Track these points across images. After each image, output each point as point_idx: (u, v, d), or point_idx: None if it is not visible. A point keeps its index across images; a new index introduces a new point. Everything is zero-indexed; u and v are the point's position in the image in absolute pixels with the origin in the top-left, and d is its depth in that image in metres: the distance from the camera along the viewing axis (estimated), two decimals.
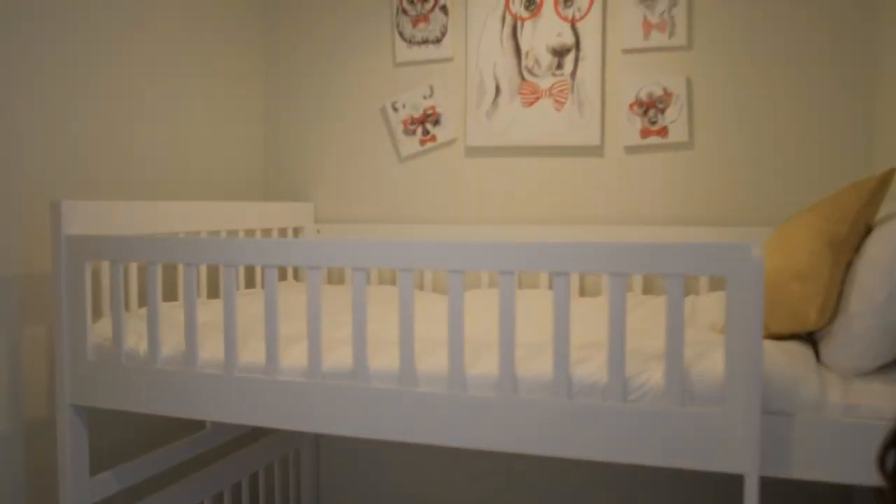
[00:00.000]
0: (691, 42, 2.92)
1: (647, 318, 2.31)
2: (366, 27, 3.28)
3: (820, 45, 2.76)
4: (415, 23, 3.20)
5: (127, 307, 2.40)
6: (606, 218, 3.03)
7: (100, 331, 2.16)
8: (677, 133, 2.93)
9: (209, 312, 2.30)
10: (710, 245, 1.60)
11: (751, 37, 2.85)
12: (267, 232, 3.11)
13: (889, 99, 2.56)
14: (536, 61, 3.05)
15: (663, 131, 2.95)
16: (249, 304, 2.44)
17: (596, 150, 3.04)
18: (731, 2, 2.86)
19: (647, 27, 2.93)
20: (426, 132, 3.20)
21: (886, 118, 2.58)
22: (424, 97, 3.20)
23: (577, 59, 3.01)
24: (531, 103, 3.07)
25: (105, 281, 2.26)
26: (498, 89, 3.10)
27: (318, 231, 3.33)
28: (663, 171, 2.97)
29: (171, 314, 2.25)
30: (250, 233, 3.02)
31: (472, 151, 3.18)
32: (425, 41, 3.19)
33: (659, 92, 2.94)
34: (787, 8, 2.78)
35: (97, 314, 2.31)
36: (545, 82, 3.05)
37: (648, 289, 2.97)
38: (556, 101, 3.04)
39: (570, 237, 3.00)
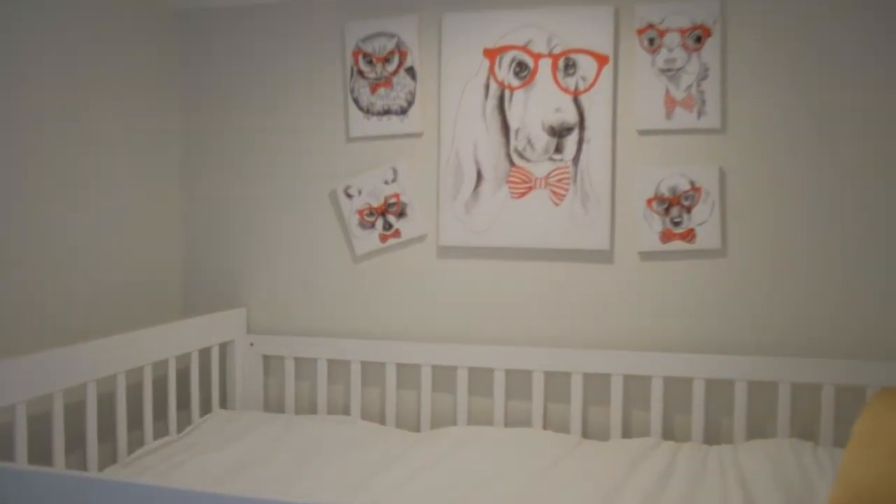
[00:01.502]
0: (725, 124, 2.38)
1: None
2: (311, 91, 2.68)
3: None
4: (374, 88, 2.61)
5: None
6: (616, 341, 2.45)
7: None
8: (707, 237, 2.37)
9: None
10: None
11: (798, 118, 2.33)
12: (185, 357, 2.52)
13: None
14: (529, 142, 2.48)
15: (689, 234, 2.40)
16: None
17: (604, 256, 2.48)
18: (774, 73, 2.34)
19: (671, 104, 2.38)
20: (388, 226, 2.62)
21: None
22: (386, 182, 2.62)
23: (580, 141, 2.44)
24: (522, 194, 2.50)
25: None
26: (480, 175, 2.53)
27: (252, 345, 2.73)
28: (688, 283, 2.39)
29: None
30: (160, 365, 2.42)
31: (446, 252, 2.59)
32: (387, 111, 2.60)
33: (685, 186, 2.39)
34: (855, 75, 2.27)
35: None
36: (540, 169, 2.48)
37: (668, 430, 2.43)
38: (555, 192, 2.47)
39: (566, 365, 2.44)
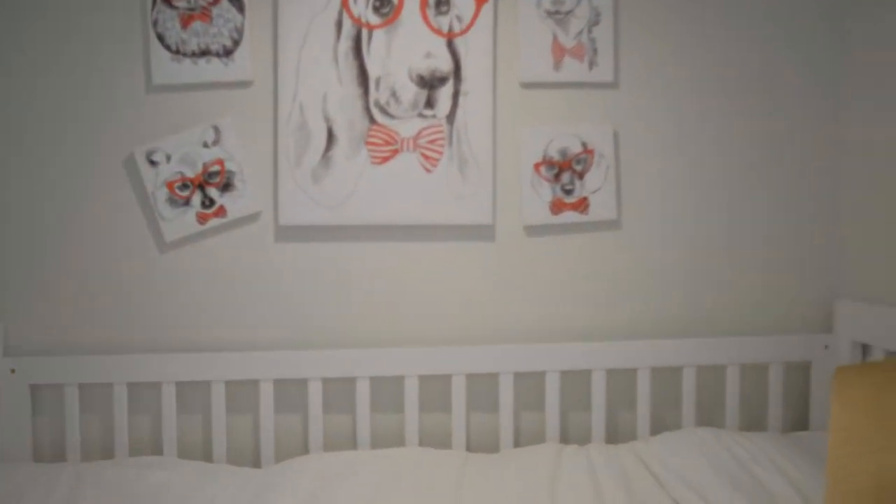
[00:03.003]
0: (618, 78, 2.15)
1: None
2: (94, 23, 2.01)
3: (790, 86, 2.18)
4: (185, 20, 2.02)
5: None
6: (503, 334, 2.11)
7: None
8: (602, 207, 2.14)
9: None
10: None
11: (698, 72, 2.16)
12: None
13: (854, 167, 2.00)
14: (394, 94, 2.07)
15: (582, 204, 2.14)
16: None
17: (486, 233, 2.15)
18: (671, 24, 2.14)
19: (559, 52, 2.09)
20: (209, 202, 2.06)
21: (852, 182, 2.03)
22: (205, 145, 2.05)
23: (456, 94, 2.08)
24: (386, 159, 2.08)
25: None
26: (331, 136, 2.06)
27: (13, 371, 2.02)
28: (583, 261, 2.14)
29: None
30: None
31: (288, 234, 2.08)
32: (205, 52, 2.02)
33: (576, 148, 2.12)
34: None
35: None
36: (408, 128, 2.07)
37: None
38: (426, 156, 2.08)
39: (446, 366, 2.07)
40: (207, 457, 2.05)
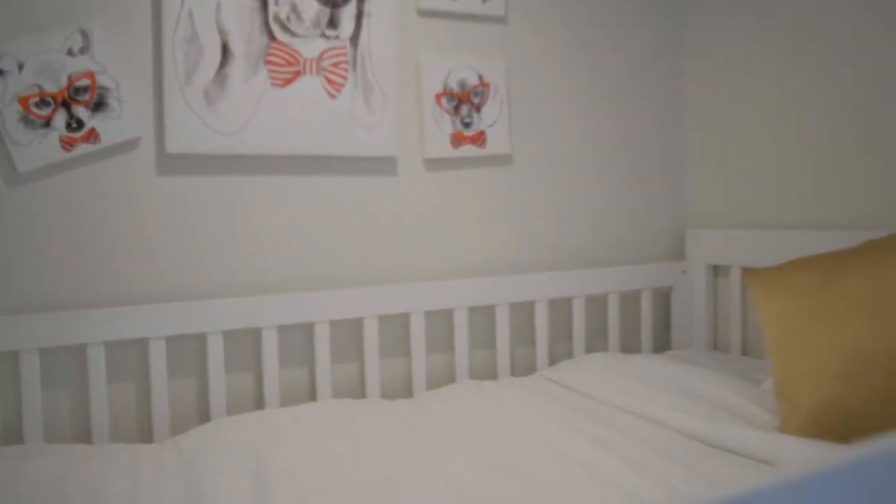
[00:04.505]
0: (508, 11, 2.20)
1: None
2: None
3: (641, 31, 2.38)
4: None
5: None
6: (410, 272, 2.04)
7: None
8: (497, 142, 2.18)
9: None
10: None
11: (577, 18, 2.26)
12: None
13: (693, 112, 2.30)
14: (294, 9, 1.88)
15: (480, 138, 2.15)
16: None
17: (389, 166, 2.06)
18: None
19: None
20: (76, 124, 1.69)
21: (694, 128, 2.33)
22: (71, 52, 1.68)
23: (359, 15, 1.96)
24: (288, 81, 1.89)
25: None
26: (227, 51, 1.82)
27: None
28: (481, 196, 2.16)
29: None
30: None
31: (177, 164, 1.79)
32: None
33: (473, 80, 2.13)
34: None
35: None
36: (311, 48, 1.91)
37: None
38: (329, 80, 1.94)
39: (357, 309, 1.93)
40: (85, 436, 1.71)
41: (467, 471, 1.42)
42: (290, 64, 1.87)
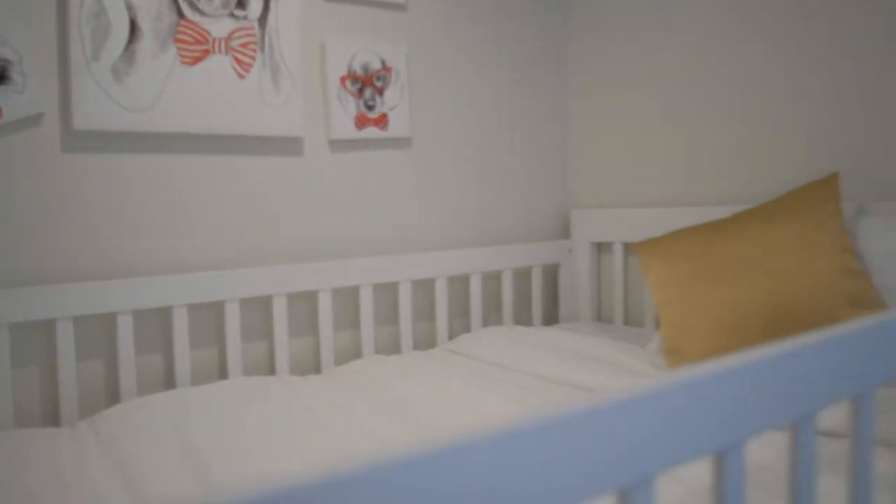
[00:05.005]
0: (409, 0, 2.28)
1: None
2: None
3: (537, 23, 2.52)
4: None
5: None
6: (316, 250, 2.09)
7: None
8: (399, 124, 2.25)
9: None
10: None
11: (473, 6, 2.38)
12: None
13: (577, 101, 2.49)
14: None
15: (382, 120, 2.22)
16: None
17: (295, 146, 2.09)
18: None
19: None
20: None
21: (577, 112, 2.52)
22: None
23: None
24: (197, 59, 1.88)
25: None
26: (135, 27, 1.80)
27: None
28: (383, 177, 2.23)
29: None
30: None
31: (83, 141, 1.75)
32: None
33: (376, 64, 2.20)
34: None
35: None
36: (219, 27, 1.91)
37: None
38: (238, 60, 1.95)
39: (267, 286, 1.96)
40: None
41: (386, 426, 1.51)
42: (199, 42, 1.88)
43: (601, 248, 2.54)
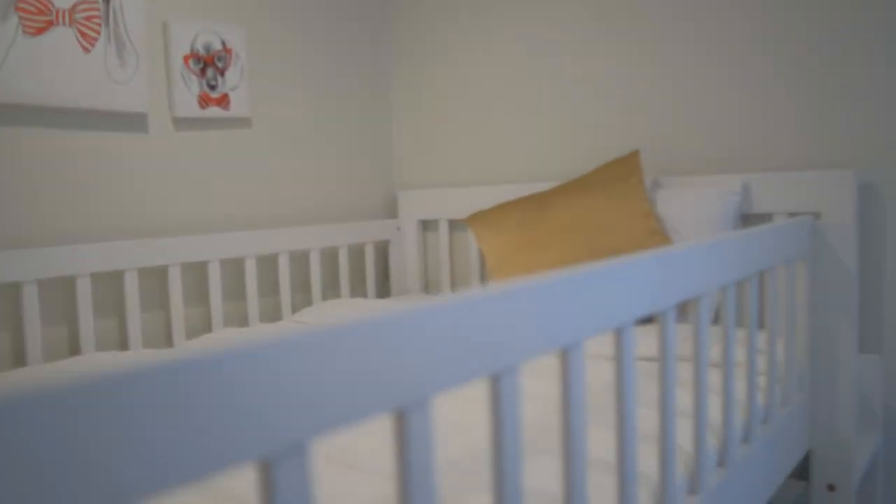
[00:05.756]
0: None
1: None
2: None
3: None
4: None
5: None
6: (164, 226, 2.10)
7: None
8: (239, 104, 2.30)
9: None
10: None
11: None
12: None
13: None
14: None
15: (224, 100, 2.26)
16: None
17: (140, 123, 2.07)
18: None
19: None
20: None
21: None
22: None
23: None
24: (40, 30, 1.83)
25: None
26: None
27: None
28: (222, 159, 2.28)
29: None
30: None
31: None
32: None
33: (217, 45, 2.24)
34: None
35: None
36: None
37: None
38: (83, 33, 1.91)
39: (117, 261, 1.96)
40: None
41: None
42: (41, 13, 1.85)
43: (427, 225, 2.76)
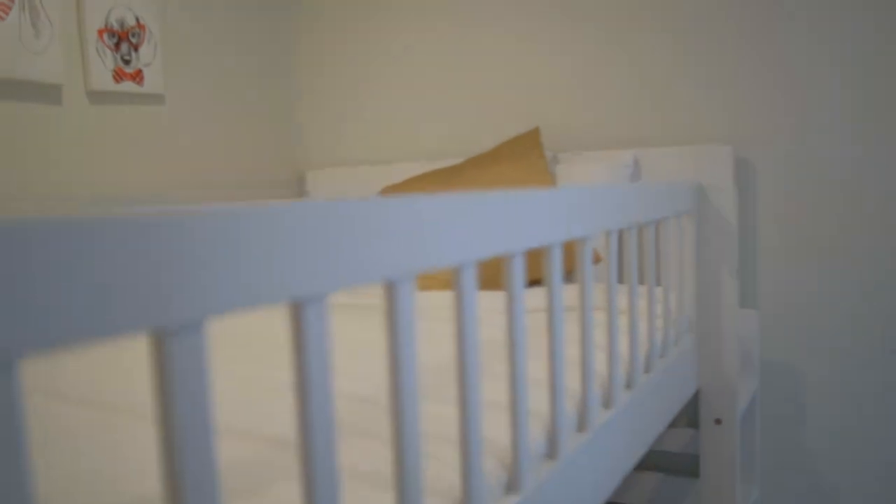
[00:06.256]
0: None
1: None
2: None
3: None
4: None
5: None
6: (65, 202, 2.12)
7: None
8: (153, 81, 2.32)
9: None
10: None
11: None
12: None
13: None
14: None
15: (138, 76, 2.28)
16: None
17: (54, 95, 2.07)
18: None
19: None
20: None
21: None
22: None
23: None
24: None
25: None
26: None
27: None
28: (136, 134, 2.30)
29: None
30: None
31: None
32: None
33: (131, 21, 2.25)
34: None
35: None
36: None
37: None
38: None
39: None
40: None
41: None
42: None
43: None
